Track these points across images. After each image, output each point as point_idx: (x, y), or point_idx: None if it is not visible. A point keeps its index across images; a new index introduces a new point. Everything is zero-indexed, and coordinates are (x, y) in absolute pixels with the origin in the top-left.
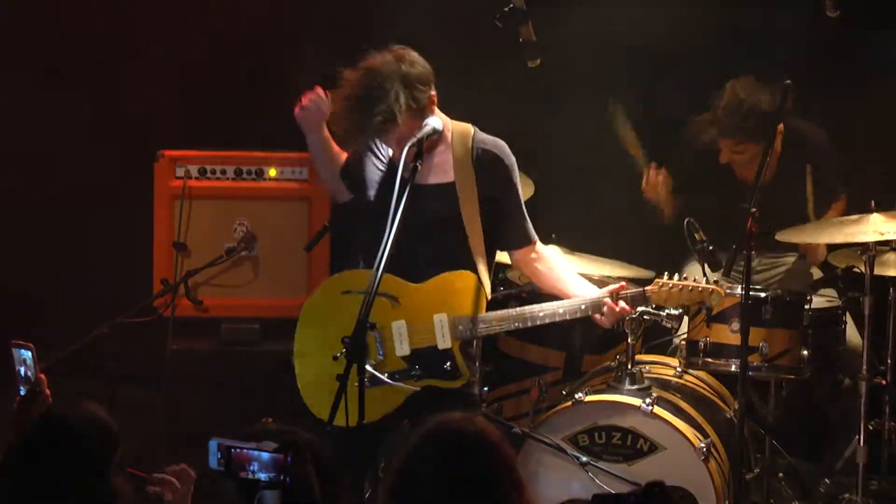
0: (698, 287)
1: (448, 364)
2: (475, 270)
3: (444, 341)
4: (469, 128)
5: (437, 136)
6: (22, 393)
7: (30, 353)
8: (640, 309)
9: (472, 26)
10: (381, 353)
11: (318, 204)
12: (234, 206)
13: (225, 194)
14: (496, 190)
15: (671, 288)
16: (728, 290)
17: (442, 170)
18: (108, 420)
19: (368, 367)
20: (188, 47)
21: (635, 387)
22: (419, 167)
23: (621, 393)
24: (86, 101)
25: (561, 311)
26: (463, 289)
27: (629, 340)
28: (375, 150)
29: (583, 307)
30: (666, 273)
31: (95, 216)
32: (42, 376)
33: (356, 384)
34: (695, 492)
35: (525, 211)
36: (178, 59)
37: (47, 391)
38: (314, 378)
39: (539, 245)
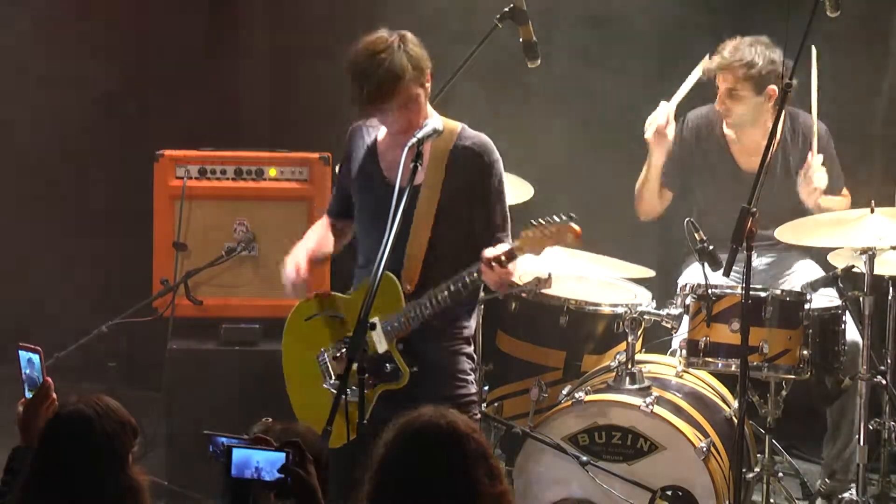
0: (554, 229)
1: (388, 366)
2: (399, 269)
3: (381, 345)
4: (456, 126)
5: (437, 136)
6: (28, 396)
7: (37, 357)
8: (640, 309)
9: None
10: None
11: (318, 204)
12: (234, 206)
13: (225, 194)
14: (471, 183)
15: (532, 237)
16: (727, 290)
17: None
18: (126, 412)
19: (328, 387)
20: (188, 46)
21: (635, 387)
22: (420, 167)
23: (621, 393)
24: (86, 101)
25: (452, 288)
26: (382, 289)
27: (629, 340)
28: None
29: (466, 279)
30: (531, 221)
31: (95, 216)
32: (49, 380)
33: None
34: (695, 492)
35: (503, 212)
36: (178, 58)
37: (53, 395)
38: (307, 402)
39: None
